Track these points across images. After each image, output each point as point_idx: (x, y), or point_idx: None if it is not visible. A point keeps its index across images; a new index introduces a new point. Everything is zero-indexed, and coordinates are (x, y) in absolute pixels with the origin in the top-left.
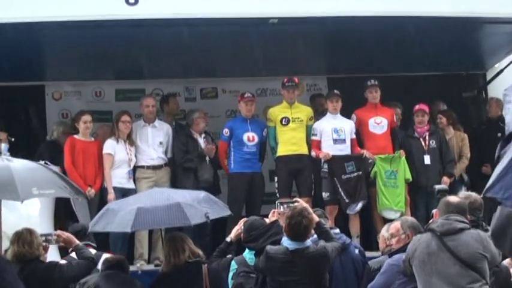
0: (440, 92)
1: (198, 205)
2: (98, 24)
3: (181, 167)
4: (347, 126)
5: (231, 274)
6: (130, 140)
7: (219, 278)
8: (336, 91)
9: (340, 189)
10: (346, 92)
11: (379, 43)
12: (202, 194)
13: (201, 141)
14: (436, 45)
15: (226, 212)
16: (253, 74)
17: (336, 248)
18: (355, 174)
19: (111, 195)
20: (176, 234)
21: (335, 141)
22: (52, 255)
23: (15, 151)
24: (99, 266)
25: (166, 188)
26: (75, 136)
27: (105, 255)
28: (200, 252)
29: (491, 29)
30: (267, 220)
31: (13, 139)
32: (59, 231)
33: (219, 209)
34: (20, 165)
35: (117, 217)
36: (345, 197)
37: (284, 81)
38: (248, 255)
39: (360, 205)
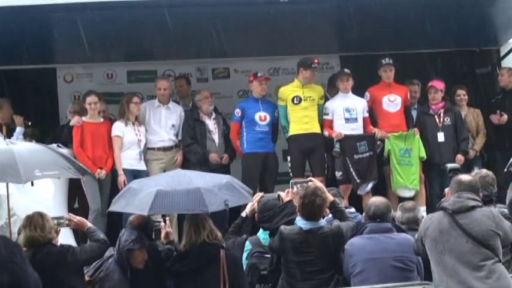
0: (453, 68)
1: (218, 191)
2: (109, 6)
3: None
4: (359, 105)
5: (245, 254)
6: (138, 120)
7: (237, 266)
8: (346, 70)
9: (351, 169)
10: (359, 70)
11: (392, 20)
12: (225, 179)
13: (210, 123)
14: (450, 21)
15: (248, 199)
16: (265, 53)
17: (351, 227)
18: (367, 154)
19: (121, 177)
20: (198, 213)
21: (347, 120)
22: (66, 237)
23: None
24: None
25: (181, 170)
26: (84, 118)
27: None
28: (219, 234)
29: (505, 3)
30: (282, 194)
31: (30, 123)
32: (70, 214)
33: (240, 197)
34: (23, 147)
35: (137, 198)
36: (356, 177)
37: (313, 61)
38: (262, 235)
39: (370, 185)
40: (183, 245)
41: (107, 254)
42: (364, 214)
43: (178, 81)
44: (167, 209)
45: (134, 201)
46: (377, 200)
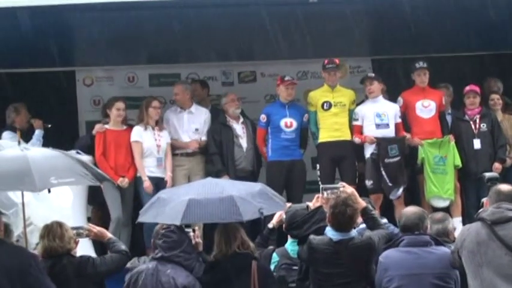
0: (492, 72)
1: (252, 199)
2: (131, 6)
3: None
4: (390, 110)
5: (272, 266)
6: (159, 125)
7: (270, 278)
8: (370, 74)
9: (383, 172)
10: (392, 73)
11: (427, 21)
12: (257, 187)
13: (238, 127)
14: (486, 23)
15: (282, 208)
16: (294, 56)
17: (383, 236)
18: (397, 158)
19: (146, 183)
20: (229, 223)
21: (377, 125)
22: (85, 248)
23: (46, 139)
24: None
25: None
26: (106, 126)
27: None
28: (251, 244)
29: None
30: (310, 204)
31: (49, 125)
32: (90, 225)
33: (274, 205)
34: (38, 154)
35: (167, 208)
36: (387, 181)
37: (324, 62)
38: (290, 246)
39: (400, 190)
40: (213, 255)
41: (128, 265)
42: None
43: (193, 86)
44: (200, 218)
45: (165, 210)
46: (409, 211)
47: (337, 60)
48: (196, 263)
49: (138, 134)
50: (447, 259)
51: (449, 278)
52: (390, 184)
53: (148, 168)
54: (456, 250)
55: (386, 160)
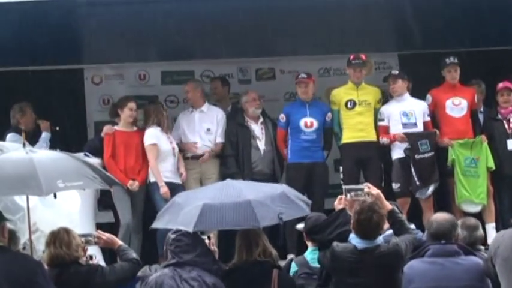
0: None
1: (271, 203)
2: (140, 0)
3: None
4: (418, 109)
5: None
6: (169, 127)
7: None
8: (393, 71)
9: (412, 170)
10: (420, 70)
11: (458, 13)
12: (279, 189)
13: (257, 128)
14: None
15: (305, 212)
16: (315, 52)
17: (411, 242)
18: (429, 154)
19: (164, 188)
20: (250, 229)
21: (404, 125)
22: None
23: (53, 140)
24: None
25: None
26: (116, 127)
27: None
28: (273, 251)
29: None
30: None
31: (57, 128)
32: (99, 232)
33: (296, 209)
34: (44, 156)
35: (182, 213)
36: (416, 179)
37: (350, 58)
38: (310, 255)
39: (431, 189)
40: (233, 263)
41: (140, 274)
42: (426, 232)
43: (213, 83)
44: (214, 224)
45: (179, 216)
46: (440, 217)
47: (363, 56)
48: (215, 266)
49: (156, 136)
50: (476, 270)
51: None
52: (418, 183)
53: (164, 173)
54: (490, 258)
55: (418, 156)
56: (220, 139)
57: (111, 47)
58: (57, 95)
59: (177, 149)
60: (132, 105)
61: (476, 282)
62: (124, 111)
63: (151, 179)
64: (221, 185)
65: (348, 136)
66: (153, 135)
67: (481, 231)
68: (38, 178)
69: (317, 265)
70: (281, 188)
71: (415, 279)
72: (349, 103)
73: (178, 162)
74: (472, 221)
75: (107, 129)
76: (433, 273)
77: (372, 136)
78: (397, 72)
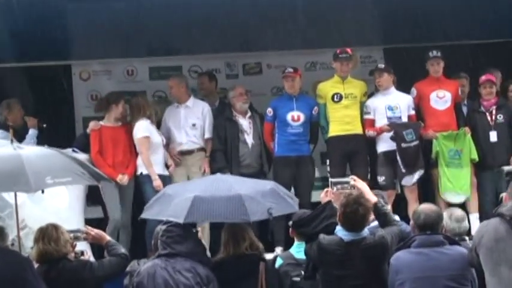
0: (508, 60)
1: (261, 199)
2: None
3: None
4: (403, 102)
5: None
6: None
7: (277, 279)
8: (379, 65)
9: (398, 158)
10: (405, 63)
11: (442, 7)
12: (269, 185)
13: (245, 122)
14: (504, 8)
15: (294, 208)
16: (301, 46)
17: (396, 233)
18: (415, 143)
19: (157, 181)
20: (237, 223)
21: (389, 119)
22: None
23: (40, 137)
24: None
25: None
26: (101, 122)
27: None
28: (260, 245)
29: None
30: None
31: (45, 125)
32: (88, 227)
33: (285, 205)
34: (32, 152)
35: (172, 204)
36: (401, 166)
37: (337, 52)
38: (296, 249)
39: (416, 176)
40: (220, 257)
41: (128, 269)
42: (411, 223)
43: (200, 79)
44: (205, 216)
45: (169, 207)
46: (427, 208)
47: (349, 50)
48: (205, 257)
49: (147, 128)
50: (462, 259)
51: (464, 279)
52: (404, 170)
53: (155, 166)
54: (474, 248)
55: (404, 145)
56: (208, 134)
57: (99, 43)
58: (46, 91)
59: (165, 142)
60: (123, 102)
61: (461, 271)
62: (118, 107)
63: (141, 171)
64: (211, 178)
65: (335, 129)
66: (145, 127)
67: (467, 223)
68: (27, 175)
69: (302, 256)
70: (270, 184)
71: (402, 270)
72: (335, 96)
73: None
74: (459, 212)
75: (93, 125)
76: (420, 263)
77: (358, 129)
78: (383, 66)
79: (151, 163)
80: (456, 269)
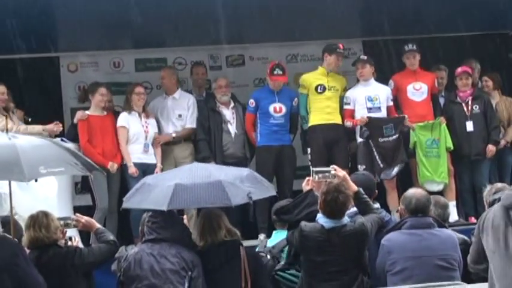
0: (485, 53)
1: (240, 184)
2: None
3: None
4: (382, 93)
5: None
6: (146, 111)
7: (259, 263)
8: (362, 56)
9: (375, 153)
10: (384, 56)
11: (419, 1)
12: (246, 171)
13: (228, 112)
14: (479, 2)
15: (271, 192)
16: (283, 38)
17: (376, 221)
18: (394, 137)
19: (131, 168)
20: (212, 209)
21: (369, 109)
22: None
23: None
24: None
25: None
26: (88, 112)
27: None
28: (237, 232)
29: None
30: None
31: (30, 119)
32: (77, 215)
33: (264, 189)
34: (26, 142)
35: (153, 193)
36: (379, 161)
37: (338, 46)
38: (274, 236)
39: (396, 170)
40: (201, 246)
41: (116, 255)
42: (401, 207)
43: (198, 69)
44: (187, 203)
45: (150, 196)
46: (417, 193)
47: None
48: (191, 243)
49: (125, 119)
50: (451, 241)
51: (453, 260)
52: (382, 165)
53: (135, 155)
54: (477, 234)
55: (381, 139)
56: (189, 124)
57: (86, 35)
58: (34, 83)
59: (151, 133)
60: (102, 90)
61: (450, 251)
62: (95, 97)
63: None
64: (190, 166)
65: (316, 118)
66: (122, 118)
67: (450, 210)
68: (21, 164)
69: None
70: (247, 171)
71: (394, 250)
72: (319, 87)
73: (155, 150)
74: (443, 199)
75: (80, 115)
76: (413, 243)
77: (338, 119)
78: (366, 57)
79: (128, 152)
80: (446, 249)
